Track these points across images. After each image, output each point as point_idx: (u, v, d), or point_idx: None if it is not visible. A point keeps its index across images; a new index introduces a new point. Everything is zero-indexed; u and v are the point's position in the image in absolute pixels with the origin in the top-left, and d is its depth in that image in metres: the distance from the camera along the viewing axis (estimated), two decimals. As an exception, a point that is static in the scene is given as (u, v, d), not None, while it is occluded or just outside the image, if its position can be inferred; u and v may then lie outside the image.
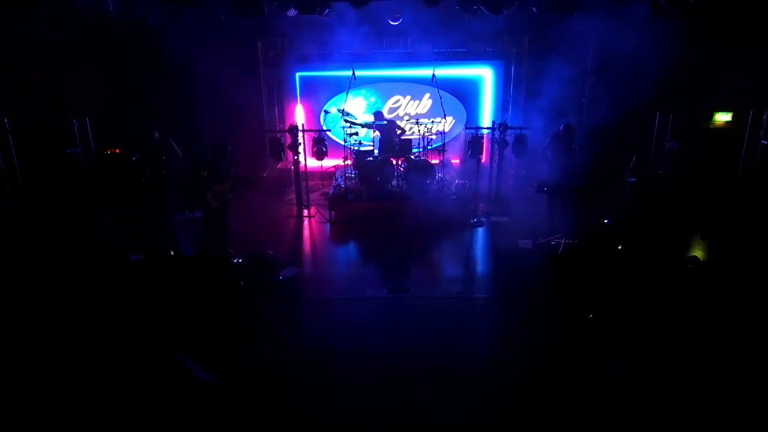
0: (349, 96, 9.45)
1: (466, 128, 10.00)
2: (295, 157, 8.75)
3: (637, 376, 3.86)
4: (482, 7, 7.75)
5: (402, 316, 5.47)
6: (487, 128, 9.25)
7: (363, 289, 6.15)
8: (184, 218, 8.46)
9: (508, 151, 8.82)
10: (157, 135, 8.28)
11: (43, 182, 7.26)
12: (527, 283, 6.11)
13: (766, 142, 7.09)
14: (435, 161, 9.32)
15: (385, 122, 9.17)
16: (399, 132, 9.02)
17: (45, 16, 7.21)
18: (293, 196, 9.26)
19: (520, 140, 8.67)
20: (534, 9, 7.91)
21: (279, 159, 9.06)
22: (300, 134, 8.76)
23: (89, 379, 3.84)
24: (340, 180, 9.48)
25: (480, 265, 7.25)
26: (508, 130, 8.66)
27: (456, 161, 10.78)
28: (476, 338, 5.05)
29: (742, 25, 7.61)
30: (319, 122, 10.62)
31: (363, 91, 10.78)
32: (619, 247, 6.01)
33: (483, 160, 9.34)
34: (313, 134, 9.24)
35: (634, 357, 4.01)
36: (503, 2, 7.71)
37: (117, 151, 8.42)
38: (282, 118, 10.87)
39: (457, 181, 9.19)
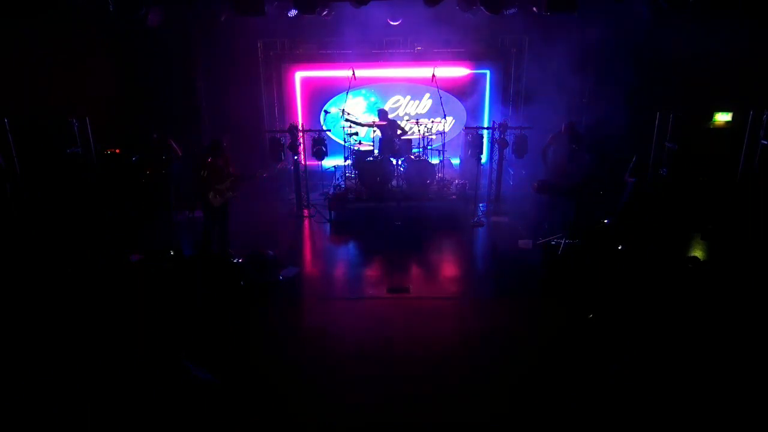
0: (349, 96, 9.46)
1: (465, 128, 10.00)
2: (295, 157, 8.76)
3: (634, 380, 3.86)
4: (482, 8, 7.75)
5: (402, 316, 5.47)
6: (487, 128, 9.25)
7: (363, 289, 6.15)
8: (184, 218, 8.46)
9: (508, 151, 8.82)
10: (155, 135, 8.30)
11: (43, 182, 7.26)
12: (527, 283, 6.11)
13: (766, 142, 7.09)
14: (435, 161, 9.32)
15: (385, 122, 9.16)
16: (400, 132, 9.02)
17: (45, 16, 7.21)
18: (293, 196, 9.27)
19: (520, 140, 8.66)
20: (534, 9, 7.91)
21: (279, 159, 9.06)
22: (300, 134, 8.76)
23: (89, 379, 3.84)
24: (340, 180, 9.48)
25: (480, 265, 7.24)
26: (508, 130, 8.66)
27: (456, 161, 10.78)
28: (476, 338, 5.05)
29: (743, 24, 7.62)
30: (319, 122, 10.63)
31: (363, 91, 10.79)
32: (619, 248, 6.01)
33: (483, 160, 9.33)
34: (313, 134, 9.24)
35: (631, 363, 4.00)
36: (503, 2, 7.71)
37: (117, 151, 8.43)
38: (282, 118, 10.87)
39: (457, 181, 9.19)
